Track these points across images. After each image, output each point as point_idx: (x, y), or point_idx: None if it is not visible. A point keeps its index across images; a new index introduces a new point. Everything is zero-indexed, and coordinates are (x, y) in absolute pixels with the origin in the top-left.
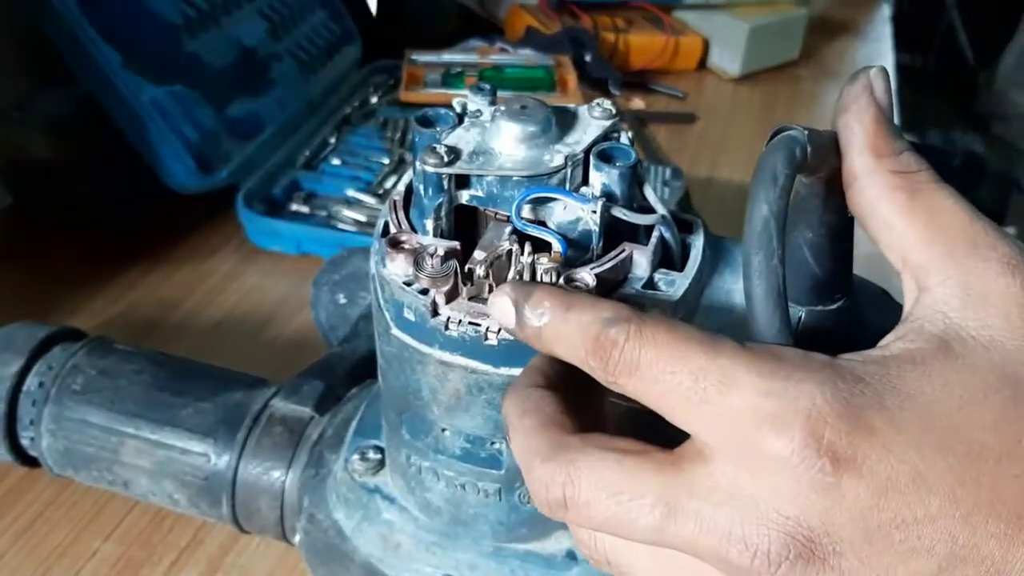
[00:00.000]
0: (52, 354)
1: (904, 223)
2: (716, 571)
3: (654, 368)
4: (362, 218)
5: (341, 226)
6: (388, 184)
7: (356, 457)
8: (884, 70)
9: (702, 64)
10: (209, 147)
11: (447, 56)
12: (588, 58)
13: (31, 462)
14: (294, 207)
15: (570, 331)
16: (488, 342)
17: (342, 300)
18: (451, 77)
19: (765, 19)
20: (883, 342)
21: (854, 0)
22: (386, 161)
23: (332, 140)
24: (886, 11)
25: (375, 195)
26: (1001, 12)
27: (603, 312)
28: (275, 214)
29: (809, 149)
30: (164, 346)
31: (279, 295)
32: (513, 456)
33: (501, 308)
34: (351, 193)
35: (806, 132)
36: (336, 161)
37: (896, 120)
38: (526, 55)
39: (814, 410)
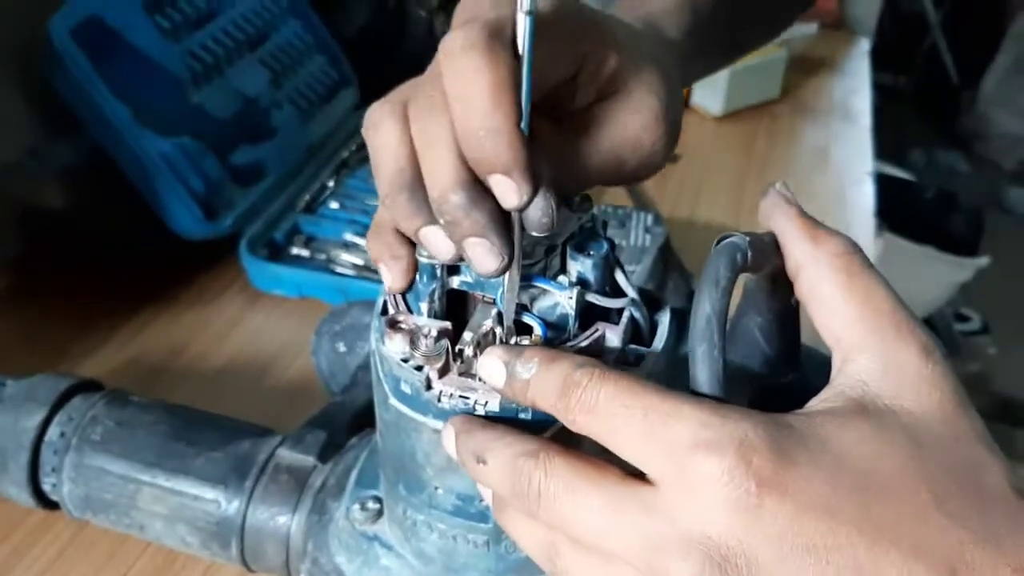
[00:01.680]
0: (72, 405)
1: (842, 302)
2: None
3: (610, 404)
4: (359, 262)
5: (340, 270)
6: None
7: (356, 507)
8: (785, 183)
9: (685, 103)
10: (214, 196)
11: None
12: None
13: (52, 505)
14: (294, 251)
15: (550, 378)
16: (477, 413)
17: (342, 349)
18: None
19: (746, 61)
20: (809, 404)
21: (832, 36)
22: None
23: (331, 184)
24: (864, 45)
25: None
26: (984, 33)
27: (576, 361)
28: (276, 258)
29: (750, 254)
30: (171, 391)
31: (281, 339)
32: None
33: (490, 368)
34: (349, 237)
35: (747, 239)
36: (335, 205)
37: (877, 141)
38: None
39: (746, 440)
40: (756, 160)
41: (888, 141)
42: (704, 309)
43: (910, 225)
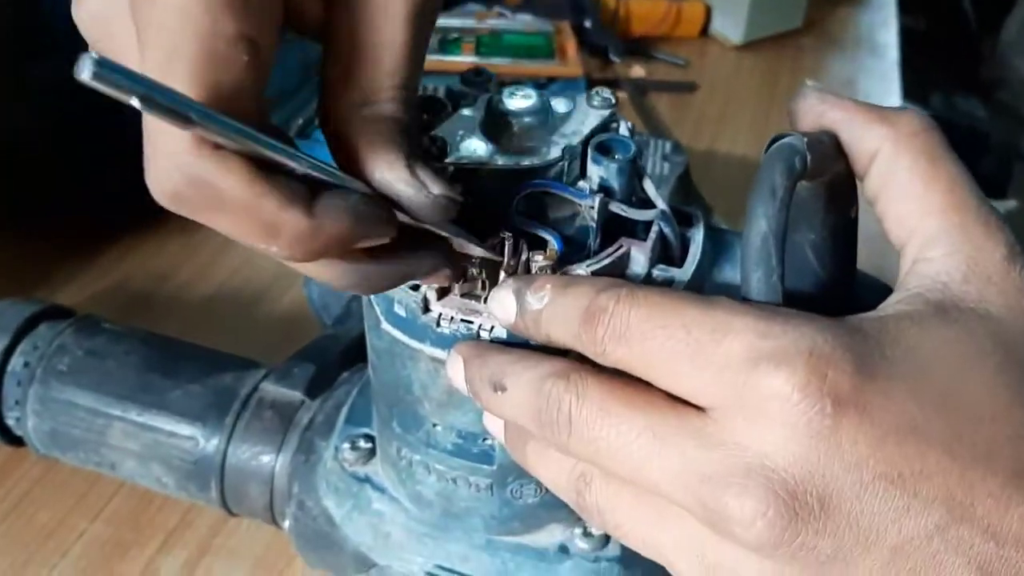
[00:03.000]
0: (38, 333)
1: (923, 189)
2: (703, 526)
3: (644, 326)
4: None
5: None
6: None
7: (346, 446)
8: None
9: (704, 31)
10: None
11: (443, 21)
12: (588, 24)
13: (17, 441)
14: None
15: (566, 306)
16: (481, 339)
17: None
18: (448, 43)
19: None
20: (881, 306)
21: None
22: None
23: None
24: None
25: None
26: None
27: (597, 284)
28: None
29: (809, 158)
30: (155, 322)
31: (272, 269)
32: (506, 452)
33: (501, 301)
34: None
35: (805, 140)
36: None
37: (899, 86)
38: (525, 20)
39: (816, 349)
40: (781, 92)
41: (908, 83)
42: (759, 227)
43: None
